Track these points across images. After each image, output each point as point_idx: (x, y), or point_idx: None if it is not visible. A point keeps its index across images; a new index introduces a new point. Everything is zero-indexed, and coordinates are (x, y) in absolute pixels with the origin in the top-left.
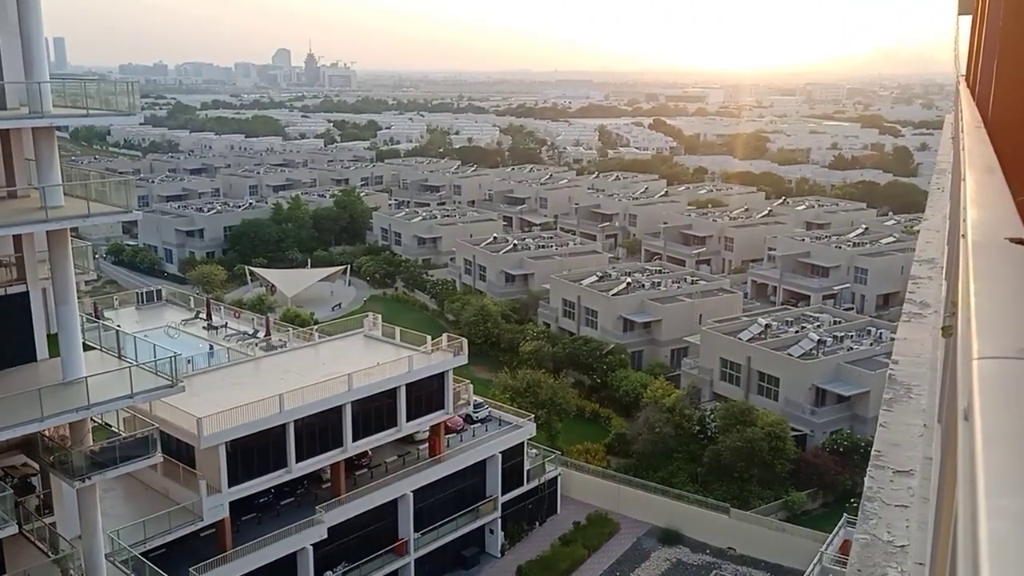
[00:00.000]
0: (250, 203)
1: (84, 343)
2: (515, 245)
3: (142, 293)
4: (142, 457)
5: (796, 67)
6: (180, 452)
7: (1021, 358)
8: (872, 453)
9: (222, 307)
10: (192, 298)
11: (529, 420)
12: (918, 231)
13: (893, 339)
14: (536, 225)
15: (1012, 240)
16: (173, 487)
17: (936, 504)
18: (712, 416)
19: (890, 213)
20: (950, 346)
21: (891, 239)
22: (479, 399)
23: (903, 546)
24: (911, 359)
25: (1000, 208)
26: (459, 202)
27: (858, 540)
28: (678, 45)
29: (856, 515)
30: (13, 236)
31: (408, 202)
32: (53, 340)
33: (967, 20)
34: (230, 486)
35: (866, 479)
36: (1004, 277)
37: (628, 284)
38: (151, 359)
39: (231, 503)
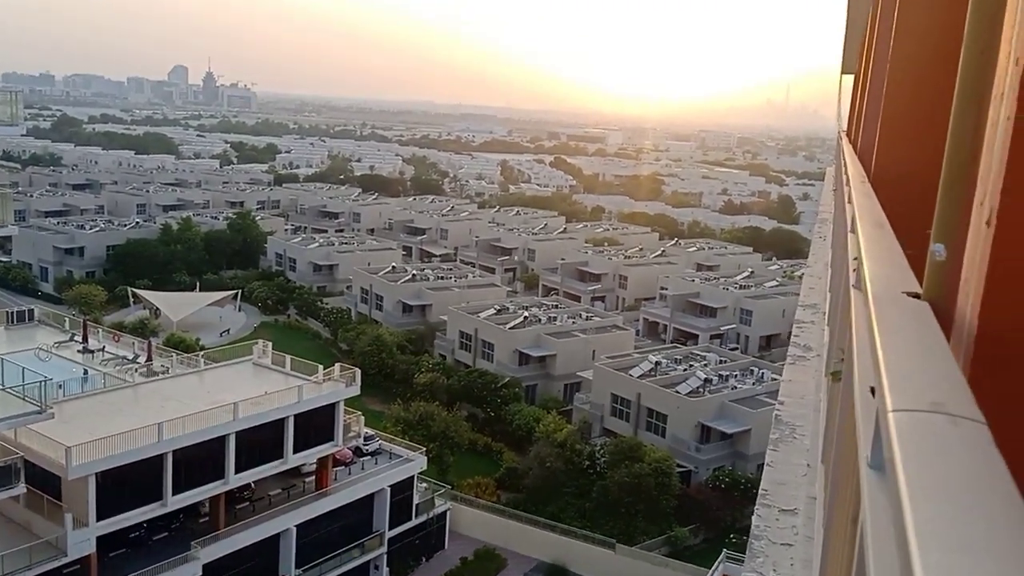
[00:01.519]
0: (137, 222)
1: None
2: (414, 275)
3: (12, 312)
4: (4, 487)
5: (691, 114)
6: (46, 483)
7: (934, 411)
8: (759, 492)
9: (100, 330)
10: (68, 319)
11: (420, 453)
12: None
13: (775, 379)
14: (436, 256)
15: (908, 294)
16: (36, 520)
17: (823, 543)
18: (602, 451)
19: (774, 258)
20: (838, 390)
21: (774, 283)
22: (370, 431)
23: None
24: (796, 400)
25: (894, 262)
26: (358, 230)
27: None
28: (581, 87)
29: (736, 550)
30: None
31: (305, 228)
32: None
33: (850, 79)
34: (99, 519)
35: (753, 517)
36: (907, 331)
37: (525, 318)
38: (18, 383)
39: (99, 538)
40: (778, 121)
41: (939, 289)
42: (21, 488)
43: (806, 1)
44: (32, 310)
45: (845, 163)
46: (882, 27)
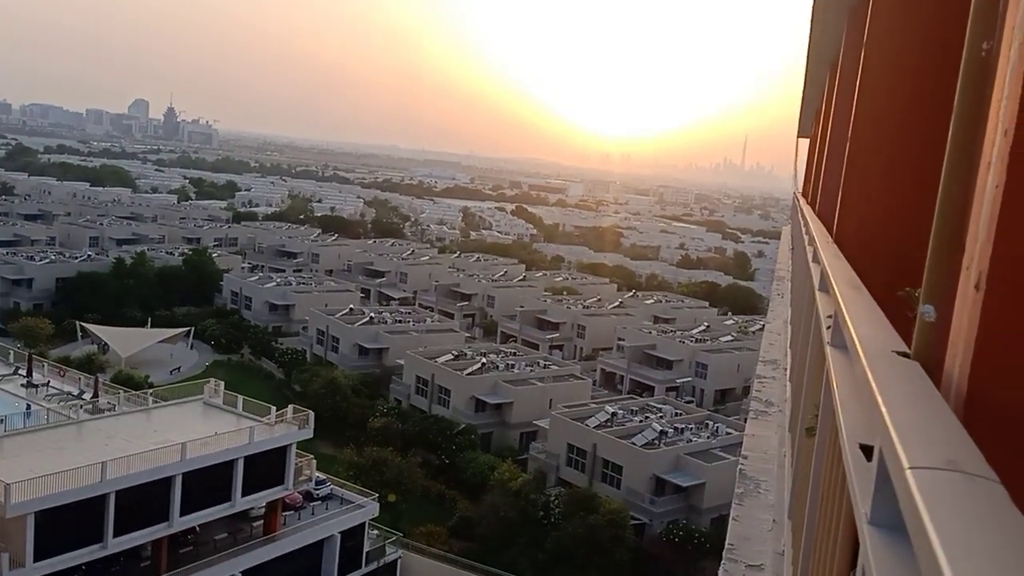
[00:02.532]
0: (89, 255)
1: None
2: (371, 318)
3: None
4: None
5: (650, 170)
6: None
7: (951, 470)
8: (725, 546)
9: (45, 364)
10: (12, 352)
11: (372, 499)
12: (754, 331)
13: (730, 433)
14: (395, 299)
15: (898, 353)
16: None
17: None
18: (556, 502)
19: (729, 313)
20: (811, 446)
21: (729, 337)
22: (322, 475)
23: None
24: (759, 455)
25: (877, 322)
26: (317, 270)
27: None
28: (544, 137)
29: None
30: None
31: (263, 267)
32: None
33: (805, 142)
34: (36, 560)
35: (720, 572)
36: (904, 389)
37: (483, 364)
38: None
39: None
40: (734, 179)
41: (928, 349)
42: None
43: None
44: None
45: (805, 223)
46: (842, 91)
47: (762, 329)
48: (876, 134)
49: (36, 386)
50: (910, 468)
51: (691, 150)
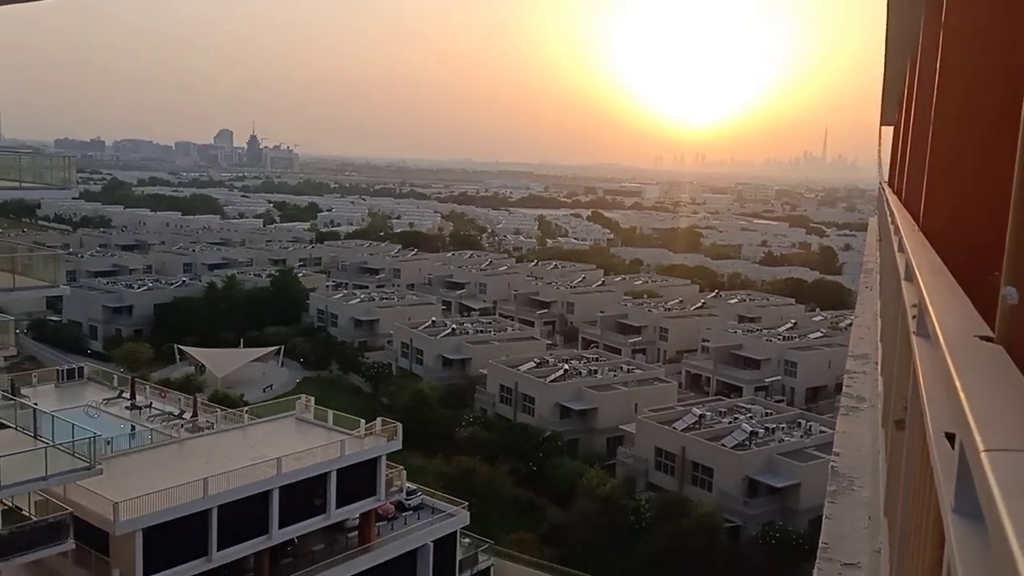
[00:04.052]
0: (183, 281)
1: None
2: (453, 329)
3: (63, 370)
4: (53, 543)
5: (728, 167)
6: (94, 538)
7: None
8: (820, 545)
9: (147, 386)
10: (116, 376)
11: (463, 508)
12: (844, 327)
13: (823, 431)
14: (475, 310)
15: (981, 338)
16: None
17: None
18: (647, 507)
19: (817, 309)
20: (902, 439)
21: (819, 334)
22: (412, 486)
23: None
24: (852, 451)
25: (960, 307)
26: (398, 285)
27: None
28: (618, 142)
29: None
30: None
31: (347, 284)
32: None
33: (889, 130)
34: (146, 575)
35: (815, 572)
36: (986, 373)
37: (565, 371)
38: (68, 439)
39: None
40: (816, 173)
41: (1011, 332)
42: (70, 544)
43: (842, 55)
44: (82, 368)
45: (891, 213)
46: (923, 76)
47: (852, 324)
48: (960, 119)
49: (139, 408)
50: (985, 451)
51: (769, 145)
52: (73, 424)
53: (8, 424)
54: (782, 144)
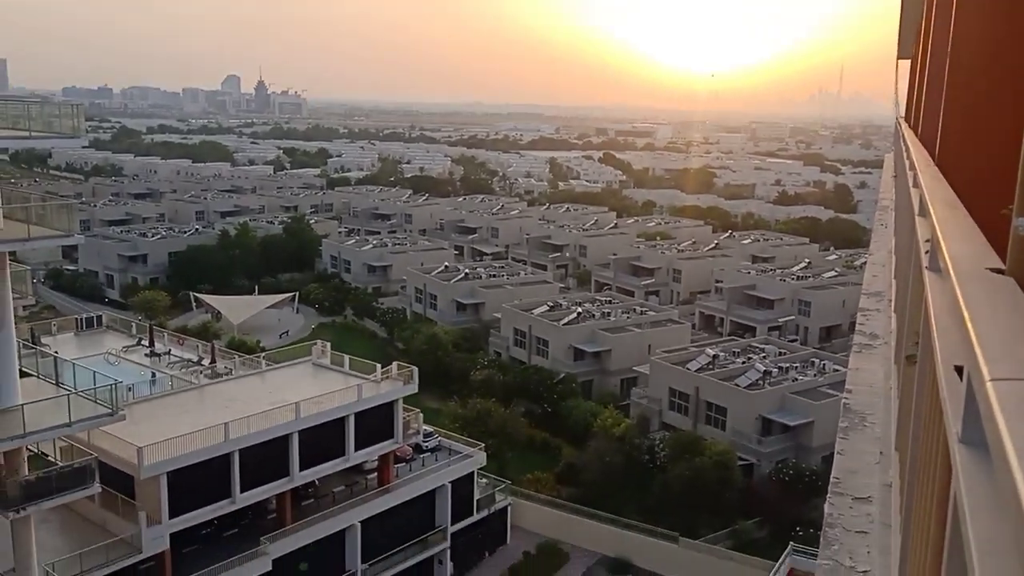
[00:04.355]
0: (196, 229)
1: (20, 370)
2: (466, 274)
3: (82, 319)
4: (79, 488)
5: (741, 106)
6: (119, 482)
7: None
8: (831, 480)
9: (165, 334)
10: (134, 324)
11: (479, 450)
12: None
13: (837, 370)
14: (487, 255)
15: (992, 270)
16: (111, 519)
17: (902, 530)
18: (661, 446)
19: (831, 248)
20: (913, 374)
21: (833, 273)
22: (429, 428)
23: (865, 572)
24: (864, 388)
25: (972, 240)
26: (410, 231)
27: (821, 567)
28: (628, 82)
29: (802, 543)
30: None
31: (358, 230)
32: None
33: (906, 64)
34: (171, 517)
35: (826, 506)
36: (995, 305)
37: (579, 314)
38: (90, 387)
39: (172, 535)
40: (831, 110)
41: (1023, 264)
42: (96, 488)
43: None
44: (100, 316)
45: (907, 148)
46: (940, 7)
47: (866, 262)
48: (977, 51)
49: (158, 355)
50: (991, 380)
51: (783, 83)
52: (94, 371)
53: (30, 372)
54: (796, 82)
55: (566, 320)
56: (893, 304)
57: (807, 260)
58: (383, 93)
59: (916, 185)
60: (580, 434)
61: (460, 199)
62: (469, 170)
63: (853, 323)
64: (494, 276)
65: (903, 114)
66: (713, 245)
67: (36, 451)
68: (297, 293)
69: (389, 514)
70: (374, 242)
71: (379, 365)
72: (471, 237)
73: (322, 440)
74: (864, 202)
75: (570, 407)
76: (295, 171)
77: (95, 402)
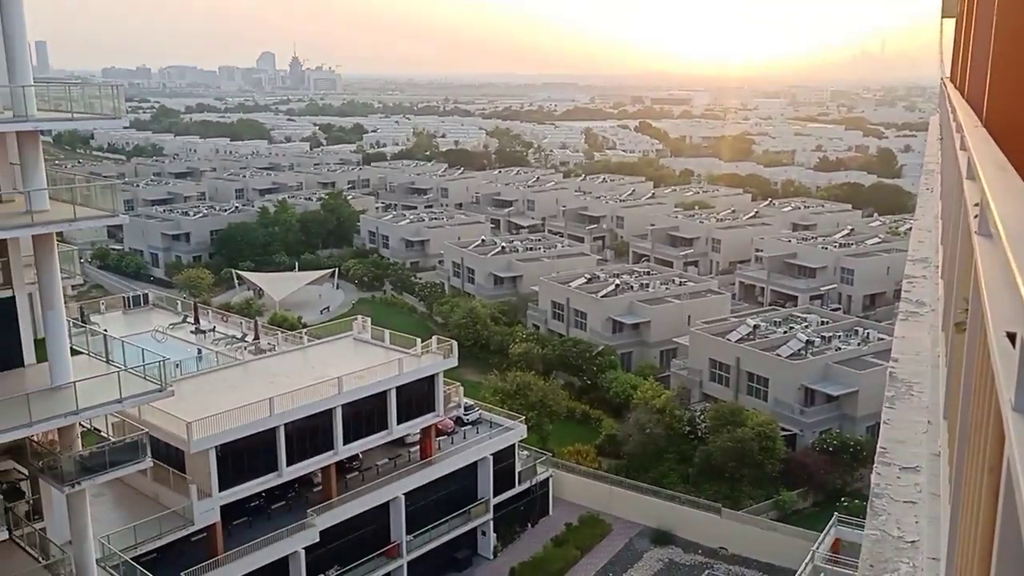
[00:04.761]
0: (236, 207)
1: (71, 348)
2: (503, 247)
3: (129, 297)
4: (132, 462)
5: (780, 70)
6: (170, 457)
7: None
8: (878, 450)
9: (209, 311)
10: (179, 302)
11: (520, 422)
12: (904, 232)
13: (882, 339)
14: (524, 227)
15: None
16: (163, 492)
17: (952, 500)
18: (702, 416)
19: (875, 214)
20: (962, 342)
21: (876, 240)
22: (469, 401)
23: (914, 541)
24: (911, 357)
25: (1023, 204)
26: (446, 205)
27: (868, 536)
28: (663, 48)
29: (847, 514)
30: None
31: (395, 205)
32: (40, 345)
33: (951, 23)
34: (221, 490)
35: (873, 476)
36: None
37: (617, 286)
38: (139, 363)
39: (222, 507)
40: (874, 72)
41: None
42: (148, 462)
43: None
44: (147, 295)
45: (953, 110)
46: None
47: (912, 228)
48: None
49: (204, 332)
50: None
51: (823, 47)
52: (143, 348)
53: (81, 351)
54: (838, 44)
55: (604, 292)
56: (940, 270)
57: (850, 227)
58: (416, 67)
59: (964, 147)
60: (620, 406)
61: (496, 172)
62: (504, 142)
63: (898, 291)
64: (531, 249)
65: (948, 75)
66: (753, 214)
67: (89, 427)
68: (336, 269)
69: (432, 486)
70: (411, 217)
71: (419, 339)
72: (507, 210)
73: (365, 414)
74: (909, 166)
75: (610, 379)
76: (331, 147)
77: (144, 378)
